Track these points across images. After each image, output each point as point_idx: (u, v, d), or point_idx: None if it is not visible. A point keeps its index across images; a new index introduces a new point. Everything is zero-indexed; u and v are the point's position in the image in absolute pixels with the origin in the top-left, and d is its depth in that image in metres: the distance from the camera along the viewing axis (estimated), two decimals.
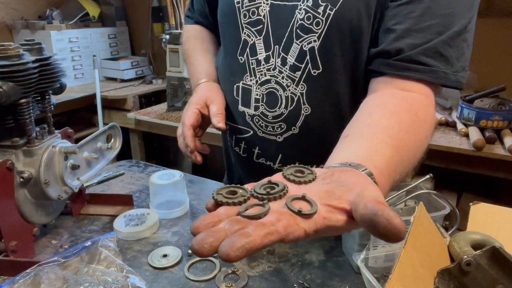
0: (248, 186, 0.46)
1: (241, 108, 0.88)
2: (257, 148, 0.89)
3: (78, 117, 2.95)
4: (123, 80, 3.06)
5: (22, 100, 0.77)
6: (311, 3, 0.74)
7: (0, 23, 2.94)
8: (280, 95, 0.81)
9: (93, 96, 2.71)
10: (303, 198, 0.42)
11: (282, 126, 0.84)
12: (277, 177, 0.48)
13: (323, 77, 0.78)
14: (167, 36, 2.55)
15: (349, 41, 0.74)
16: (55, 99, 0.88)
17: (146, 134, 2.74)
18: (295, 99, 0.81)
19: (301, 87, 0.79)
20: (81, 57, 2.98)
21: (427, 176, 0.81)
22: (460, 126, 1.85)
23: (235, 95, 0.88)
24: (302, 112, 0.81)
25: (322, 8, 0.73)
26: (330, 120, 0.80)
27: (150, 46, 3.20)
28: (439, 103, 2.15)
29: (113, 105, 2.76)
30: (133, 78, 3.10)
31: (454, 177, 1.96)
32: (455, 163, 1.79)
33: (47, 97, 0.85)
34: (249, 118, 0.87)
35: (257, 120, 0.86)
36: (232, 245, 0.35)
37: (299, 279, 0.74)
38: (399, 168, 0.57)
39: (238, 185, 0.45)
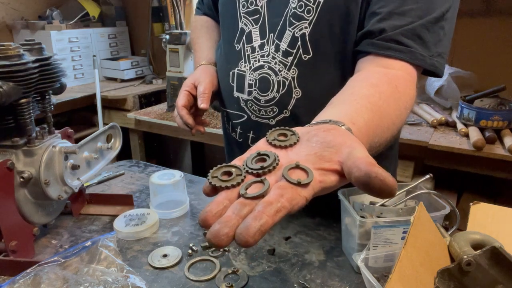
0: (238, 162, 0.46)
1: (236, 94, 0.92)
2: (251, 132, 0.93)
3: (78, 117, 2.95)
4: (123, 80, 3.06)
5: (22, 100, 0.77)
6: None
7: (0, 23, 2.94)
8: (272, 80, 0.85)
9: (93, 96, 2.71)
10: (297, 166, 0.42)
11: (274, 110, 0.87)
12: (262, 145, 0.49)
13: (313, 61, 0.82)
14: (167, 36, 2.55)
15: (338, 27, 0.78)
16: (55, 99, 0.88)
17: (146, 134, 2.74)
18: (287, 83, 0.84)
19: (293, 72, 0.83)
20: (81, 57, 2.98)
21: (427, 176, 0.81)
22: (460, 126, 1.85)
23: (230, 81, 0.93)
24: (293, 95, 0.85)
25: None
26: (320, 103, 0.80)
27: (150, 46, 3.20)
28: (439, 103, 2.15)
29: (113, 105, 2.76)
30: (133, 78, 3.10)
31: (454, 177, 1.97)
32: (455, 163, 1.79)
33: (47, 97, 0.85)
34: (243, 103, 0.91)
35: (250, 104, 0.90)
36: (248, 231, 0.36)
37: (299, 279, 0.74)
38: (378, 131, 0.60)
39: (230, 164, 0.45)
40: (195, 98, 0.94)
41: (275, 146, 0.47)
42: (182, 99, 0.93)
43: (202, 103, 0.90)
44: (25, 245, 0.79)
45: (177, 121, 0.97)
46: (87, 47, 3.02)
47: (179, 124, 0.96)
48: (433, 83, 2.11)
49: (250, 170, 0.43)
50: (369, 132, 0.57)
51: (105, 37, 3.15)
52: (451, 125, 1.93)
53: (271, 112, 0.88)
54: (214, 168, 0.45)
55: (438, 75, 0.76)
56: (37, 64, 0.78)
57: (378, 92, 0.64)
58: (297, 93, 0.84)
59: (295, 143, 0.47)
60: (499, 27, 2.08)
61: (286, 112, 0.86)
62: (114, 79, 3.10)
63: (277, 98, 0.86)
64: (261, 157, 0.45)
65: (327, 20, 0.78)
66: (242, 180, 0.42)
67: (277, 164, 0.44)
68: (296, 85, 0.84)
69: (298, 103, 0.85)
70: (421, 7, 0.72)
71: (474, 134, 1.72)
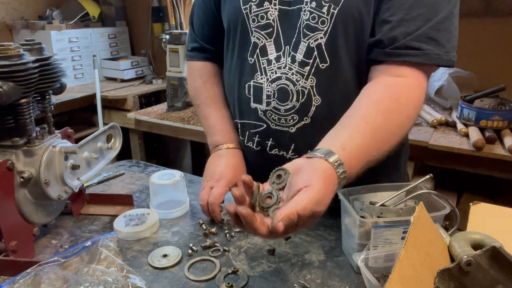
0: (248, 191, 0.62)
1: (253, 105, 0.93)
2: (270, 140, 0.94)
3: (78, 117, 2.95)
4: (123, 80, 3.06)
5: (22, 100, 0.77)
6: (315, 4, 0.81)
7: (0, 23, 2.94)
8: (291, 90, 0.87)
9: (93, 96, 2.71)
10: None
11: (295, 118, 0.89)
12: (266, 185, 0.65)
13: (330, 69, 0.84)
14: (167, 36, 2.55)
15: (352, 35, 0.81)
16: (55, 99, 0.88)
17: (146, 134, 2.74)
18: (306, 92, 0.87)
19: (311, 81, 0.86)
20: (81, 57, 2.98)
21: (427, 176, 0.81)
22: (460, 126, 1.85)
23: (246, 93, 0.93)
24: (313, 103, 0.87)
25: (326, 8, 0.80)
26: (339, 107, 0.83)
27: (150, 46, 3.20)
28: (439, 103, 2.15)
29: (113, 105, 2.76)
30: (133, 78, 3.10)
31: (454, 177, 1.97)
32: (455, 163, 1.79)
33: (47, 97, 0.85)
34: (261, 114, 0.92)
35: (269, 114, 0.91)
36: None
37: (299, 279, 0.74)
38: (374, 146, 0.71)
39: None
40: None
41: (274, 188, 0.64)
42: (222, 198, 0.91)
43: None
44: (25, 245, 0.79)
45: (203, 209, 0.94)
46: (87, 47, 3.02)
47: (205, 212, 0.95)
48: (433, 83, 2.11)
49: (263, 207, 0.63)
50: (362, 152, 0.69)
51: (105, 37, 3.15)
52: (451, 125, 1.93)
53: (291, 120, 0.90)
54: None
55: (452, 66, 0.81)
56: (37, 64, 0.78)
57: (376, 110, 0.73)
58: (316, 100, 0.87)
59: (284, 187, 0.64)
60: (499, 27, 2.08)
61: (306, 120, 0.89)
62: (114, 79, 3.10)
63: (297, 107, 0.88)
64: (268, 195, 0.64)
65: (342, 29, 0.81)
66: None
67: (279, 201, 0.63)
68: (315, 93, 0.86)
69: (318, 110, 0.87)
70: (429, 10, 0.76)
71: (474, 134, 1.72)
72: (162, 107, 2.61)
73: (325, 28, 0.82)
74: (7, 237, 0.76)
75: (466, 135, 1.78)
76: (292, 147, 0.92)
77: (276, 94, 0.89)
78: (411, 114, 0.76)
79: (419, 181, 0.80)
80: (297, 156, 0.87)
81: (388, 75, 0.79)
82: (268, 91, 0.89)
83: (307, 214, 0.59)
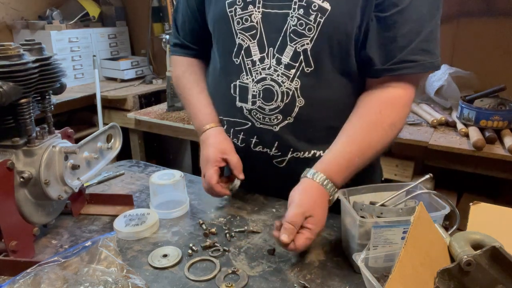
0: None
1: (238, 104, 0.97)
2: (254, 137, 0.98)
3: (78, 117, 2.95)
4: (123, 80, 3.06)
5: (22, 100, 0.77)
6: (303, 12, 0.86)
7: (0, 23, 2.94)
8: (276, 91, 0.91)
9: (93, 96, 2.71)
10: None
11: (279, 117, 0.93)
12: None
13: (314, 74, 0.89)
14: (167, 36, 2.55)
15: (336, 43, 0.87)
16: (55, 99, 0.88)
17: (146, 134, 2.74)
18: (290, 93, 0.91)
19: (295, 83, 0.90)
20: (81, 57, 2.98)
21: (427, 176, 0.81)
22: (460, 126, 1.85)
23: (232, 92, 0.97)
24: (297, 104, 0.92)
25: (313, 16, 0.85)
26: (321, 110, 0.93)
27: (150, 46, 3.20)
28: (439, 103, 2.15)
29: (113, 105, 2.76)
30: (133, 78, 3.10)
31: (454, 177, 1.97)
32: (455, 163, 1.79)
33: (47, 97, 0.85)
34: (247, 112, 0.96)
35: (254, 113, 0.95)
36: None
37: (299, 279, 0.74)
38: (358, 155, 0.85)
39: None
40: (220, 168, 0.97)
41: None
42: (215, 177, 0.94)
43: (241, 174, 0.96)
44: (25, 245, 0.79)
45: (208, 192, 0.98)
46: (87, 47, 3.02)
47: (211, 195, 0.98)
48: (433, 83, 2.11)
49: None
50: (346, 166, 0.84)
51: (105, 37, 3.15)
52: (451, 125, 1.93)
53: (275, 120, 0.94)
54: None
55: (438, 69, 0.92)
56: (37, 64, 0.78)
57: (360, 124, 0.88)
58: (300, 102, 0.91)
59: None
60: (499, 27, 2.08)
61: (290, 119, 0.93)
62: (114, 79, 3.10)
63: (281, 107, 0.92)
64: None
65: (327, 37, 0.86)
66: None
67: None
68: (299, 94, 0.91)
69: (301, 111, 0.92)
70: (418, 25, 0.84)
71: (474, 134, 1.72)
72: (162, 107, 2.61)
73: (312, 35, 0.86)
74: (7, 237, 0.76)
75: (466, 135, 1.78)
76: (275, 144, 0.96)
77: (261, 94, 0.92)
78: (393, 122, 0.87)
79: (419, 181, 0.80)
80: (280, 153, 0.96)
81: (382, 86, 0.89)
82: (254, 91, 0.93)
83: (299, 218, 0.75)
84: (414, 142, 1.78)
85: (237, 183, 0.96)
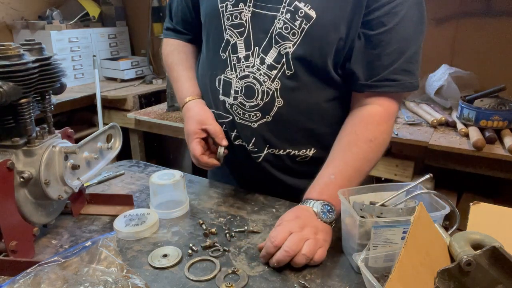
0: None
1: (221, 97, 1.00)
2: (235, 131, 1.02)
3: (78, 117, 2.95)
4: (123, 80, 3.06)
5: (22, 100, 0.77)
6: (289, 16, 0.88)
7: (0, 23, 2.94)
8: (257, 89, 0.95)
9: (93, 96, 2.71)
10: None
11: (258, 115, 0.97)
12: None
13: (294, 77, 0.92)
14: None
15: (317, 50, 0.89)
16: (55, 99, 0.88)
17: (146, 134, 2.74)
18: (270, 93, 0.94)
19: (276, 83, 0.93)
20: (81, 57, 2.98)
21: (427, 176, 0.81)
22: (460, 126, 1.85)
23: (216, 86, 1.01)
24: (276, 104, 0.95)
25: (298, 22, 0.88)
26: (300, 112, 0.96)
27: (150, 46, 3.20)
28: (439, 103, 2.15)
29: (113, 105, 2.76)
30: (133, 78, 3.10)
31: (454, 177, 1.97)
32: (455, 163, 1.79)
33: (47, 97, 0.85)
34: (228, 106, 1.00)
35: (235, 108, 0.99)
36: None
37: (299, 279, 0.74)
38: (348, 170, 0.88)
39: None
40: (204, 139, 0.99)
41: None
42: (198, 149, 0.96)
43: (223, 140, 0.97)
44: (25, 245, 0.79)
45: (200, 166, 1.00)
46: (87, 47, 3.02)
47: (204, 167, 1.01)
48: (433, 83, 2.11)
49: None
50: (339, 184, 0.84)
51: (105, 37, 3.15)
52: (451, 125, 1.93)
53: (254, 117, 0.97)
54: None
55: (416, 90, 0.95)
56: (37, 64, 0.78)
57: (336, 146, 0.92)
58: (279, 102, 0.95)
59: None
60: (499, 27, 2.08)
61: (268, 118, 0.97)
62: (114, 79, 3.10)
63: (261, 105, 0.95)
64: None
65: (309, 44, 0.89)
66: None
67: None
68: (278, 95, 0.94)
69: (280, 111, 0.95)
70: (402, 45, 0.88)
71: (474, 134, 1.72)
72: (162, 107, 2.61)
73: (295, 40, 0.89)
74: (7, 237, 0.76)
75: (466, 135, 1.78)
76: (252, 140, 1.00)
77: (243, 91, 0.96)
78: (372, 138, 0.90)
79: (419, 181, 0.80)
80: (256, 149, 1.01)
81: (364, 103, 0.94)
82: (237, 86, 0.96)
83: (281, 234, 0.76)
84: (414, 142, 1.78)
85: (221, 150, 0.97)
